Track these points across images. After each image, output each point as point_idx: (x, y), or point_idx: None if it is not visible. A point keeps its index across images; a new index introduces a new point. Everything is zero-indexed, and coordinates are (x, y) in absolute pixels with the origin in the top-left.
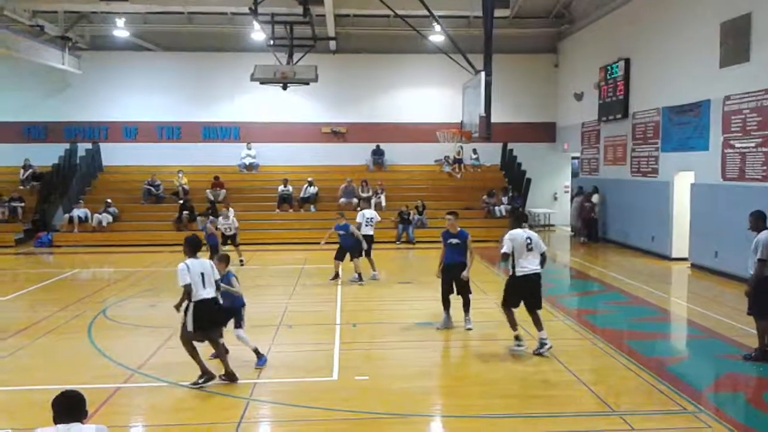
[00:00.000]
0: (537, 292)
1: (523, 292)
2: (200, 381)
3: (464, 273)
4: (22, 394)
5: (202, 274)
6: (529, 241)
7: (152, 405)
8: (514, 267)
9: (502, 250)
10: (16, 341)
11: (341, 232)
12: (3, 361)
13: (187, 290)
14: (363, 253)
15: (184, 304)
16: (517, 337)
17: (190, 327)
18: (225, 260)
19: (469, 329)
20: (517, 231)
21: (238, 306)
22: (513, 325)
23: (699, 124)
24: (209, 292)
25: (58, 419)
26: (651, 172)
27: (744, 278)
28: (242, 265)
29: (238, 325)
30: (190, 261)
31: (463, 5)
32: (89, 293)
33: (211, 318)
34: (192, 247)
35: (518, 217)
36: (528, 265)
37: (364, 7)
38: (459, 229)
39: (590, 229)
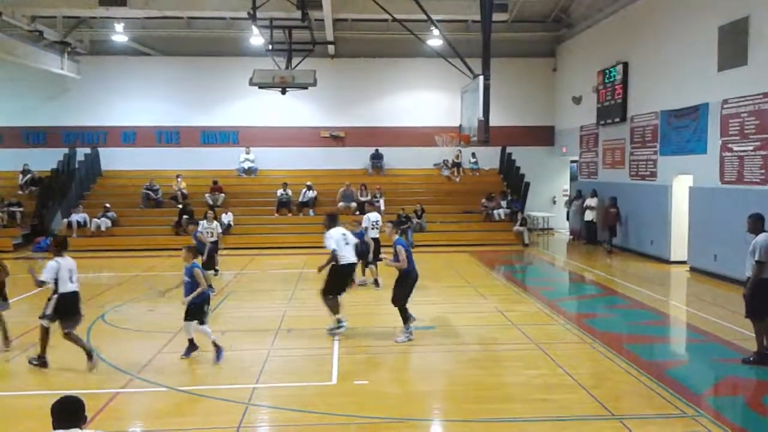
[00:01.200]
0: (350, 278)
1: (346, 279)
2: (35, 361)
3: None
4: (20, 399)
5: (70, 270)
6: (344, 236)
7: (151, 410)
8: (337, 259)
9: (329, 247)
10: (14, 346)
11: (356, 240)
12: (2, 367)
13: (44, 285)
14: (371, 257)
15: (52, 294)
16: (338, 320)
17: (49, 312)
18: (193, 251)
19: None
20: (334, 230)
21: (199, 301)
22: (336, 310)
23: (697, 128)
24: (74, 287)
25: (57, 425)
26: (649, 176)
27: (742, 281)
28: (216, 274)
29: (201, 321)
30: (60, 259)
31: (461, 9)
32: (88, 298)
33: (70, 308)
34: (60, 246)
35: (333, 219)
36: (348, 255)
37: (363, 11)
38: (397, 236)
39: (613, 235)
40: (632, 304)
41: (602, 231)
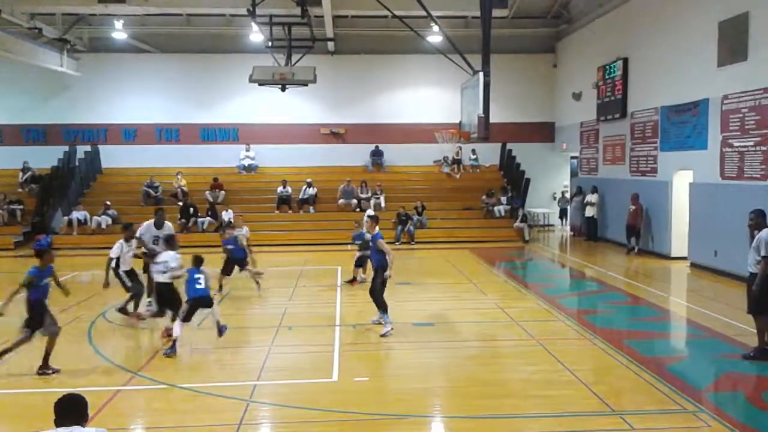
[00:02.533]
0: None
1: None
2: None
3: (387, 272)
4: (22, 397)
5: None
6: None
7: (152, 407)
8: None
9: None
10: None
11: (359, 242)
12: (3, 365)
13: None
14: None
15: None
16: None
17: None
18: (198, 261)
19: (382, 335)
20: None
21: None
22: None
23: (697, 124)
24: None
25: (59, 422)
26: (650, 172)
27: (743, 277)
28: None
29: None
30: None
31: (461, 5)
32: (89, 296)
33: None
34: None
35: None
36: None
37: (362, 8)
38: (377, 231)
39: (638, 236)
40: (632, 300)
41: (606, 230)
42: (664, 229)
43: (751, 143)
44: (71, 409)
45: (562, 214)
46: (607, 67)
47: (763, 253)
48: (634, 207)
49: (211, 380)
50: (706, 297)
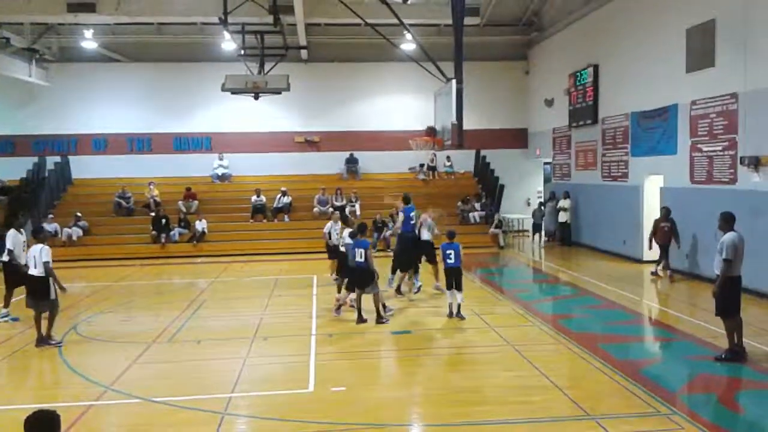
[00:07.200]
0: None
1: None
2: None
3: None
4: None
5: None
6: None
7: (125, 422)
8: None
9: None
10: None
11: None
12: None
13: None
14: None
15: None
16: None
17: None
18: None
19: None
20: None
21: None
22: None
23: (667, 129)
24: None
25: None
26: (621, 177)
27: (713, 279)
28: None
29: None
30: None
31: (433, 14)
32: (60, 309)
33: None
34: None
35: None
36: None
37: (335, 16)
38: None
39: (667, 256)
40: (606, 303)
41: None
42: (636, 234)
43: (720, 148)
44: (41, 426)
45: (536, 229)
46: (578, 73)
47: (724, 256)
48: (666, 224)
49: (185, 393)
50: (679, 300)
